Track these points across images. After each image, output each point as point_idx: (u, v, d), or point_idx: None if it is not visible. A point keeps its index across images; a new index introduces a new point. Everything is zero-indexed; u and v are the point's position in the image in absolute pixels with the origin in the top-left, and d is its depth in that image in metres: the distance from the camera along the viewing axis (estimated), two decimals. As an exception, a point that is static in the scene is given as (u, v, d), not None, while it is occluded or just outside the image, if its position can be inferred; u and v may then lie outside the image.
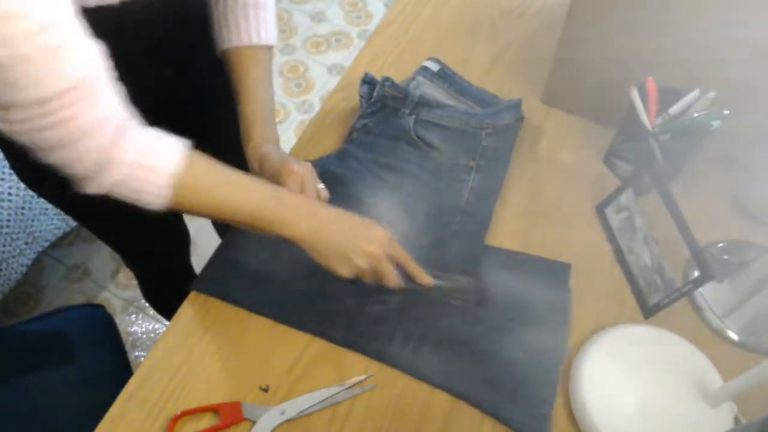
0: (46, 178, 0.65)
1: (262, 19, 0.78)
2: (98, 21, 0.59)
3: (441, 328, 0.71)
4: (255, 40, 0.77)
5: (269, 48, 0.80)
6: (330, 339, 0.71)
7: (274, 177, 0.72)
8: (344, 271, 0.66)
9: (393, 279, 0.67)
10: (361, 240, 0.65)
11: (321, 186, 0.74)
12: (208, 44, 0.82)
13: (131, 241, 0.98)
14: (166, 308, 1.29)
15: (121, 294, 1.65)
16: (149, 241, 0.98)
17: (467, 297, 0.73)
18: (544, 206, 0.83)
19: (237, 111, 0.92)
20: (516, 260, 0.77)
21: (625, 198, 0.77)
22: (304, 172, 0.72)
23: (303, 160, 0.85)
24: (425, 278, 0.70)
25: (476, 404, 0.66)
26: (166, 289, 1.18)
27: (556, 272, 0.76)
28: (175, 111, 0.88)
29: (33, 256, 1.55)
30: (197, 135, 0.94)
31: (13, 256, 1.48)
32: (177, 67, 0.80)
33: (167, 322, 1.33)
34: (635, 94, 0.77)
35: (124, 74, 0.71)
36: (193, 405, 0.66)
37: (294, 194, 0.67)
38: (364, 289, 0.73)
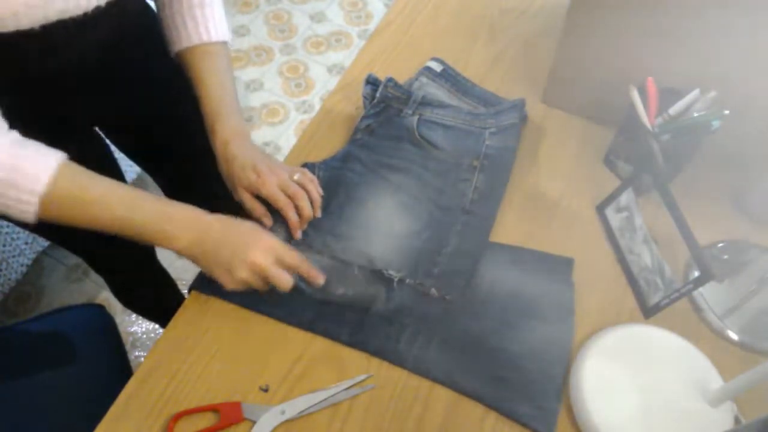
0: None
1: (210, 16, 0.78)
2: (28, 43, 0.62)
3: (448, 325, 0.71)
4: (205, 38, 0.78)
5: (223, 44, 0.80)
6: (336, 339, 0.71)
7: (246, 185, 0.73)
8: (230, 285, 0.67)
9: (283, 284, 0.67)
10: (242, 252, 0.65)
11: (297, 176, 0.75)
12: (155, 57, 0.83)
13: (94, 242, 0.96)
14: (142, 309, 1.28)
15: (121, 294, 1.65)
16: (113, 243, 0.97)
17: (366, 305, 0.72)
18: (544, 206, 0.83)
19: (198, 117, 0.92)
20: (520, 256, 0.77)
21: (625, 198, 0.77)
22: (278, 179, 0.73)
23: (303, 162, 0.85)
24: (319, 280, 0.70)
25: (484, 400, 0.66)
26: (137, 289, 1.17)
27: (559, 267, 0.76)
28: (135, 124, 0.90)
29: (33, 256, 1.55)
30: (161, 145, 0.95)
31: (13, 256, 1.48)
32: (127, 84, 0.82)
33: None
34: (635, 94, 0.77)
35: (66, 96, 0.71)
36: (193, 405, 0.66)
37: (176, 205, 0.67)
38: (369, 289, 0.73)
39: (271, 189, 0.72)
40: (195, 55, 0.78)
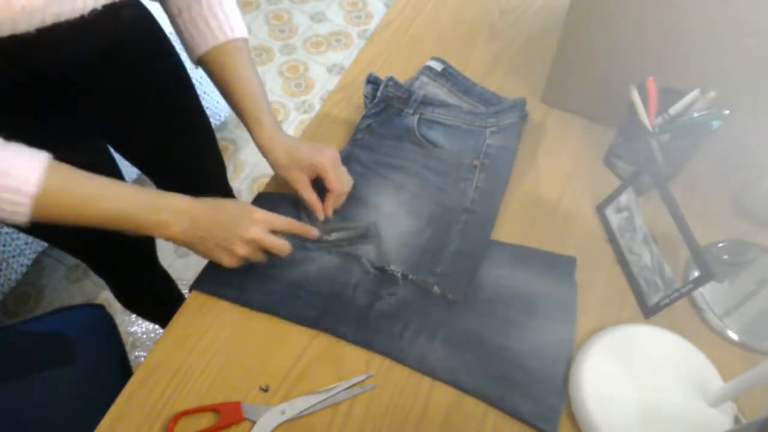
0: None
1: (230, 13, 0.78)
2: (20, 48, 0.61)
3: (451, 323, 0.71)
4: (230, 35, 0.78)
5: (245, 40, 0.80)
6: (340, 336, 0.71)
7: (308, 166, 0.76)
8: (230, 263, 0.69)
9: (281, 249, 0.70)
10: (237, 229, 0.67)
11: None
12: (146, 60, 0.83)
13: (92, 244, 0.97)
14: (142, 309, 1.28)
15: (121, 294, 1.65)
16: (112, 244, 0.97)
17: (366, 241, 0.77)
18: (544, 206, 0.83)
19: (194, 117, 0.93)
20: (523, 254, 0.78)
21: (625, 198, 0.77)
22: (338, 158, 0.77)
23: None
24: (313, 232, 0.74)
25: (487, 398, 0.66)
26: (137, 290, 1.17)
27: (562, 265, 0.77)
28: (134, 127, 0.90)
29: (33, 256, 1.55)
30: (160, 148, 0.95)
31: (13, 256, 1.48)
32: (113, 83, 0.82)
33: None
34: (635, 94, 0.77)
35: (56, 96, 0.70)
36: (193, 405, 0.66)
37: (166, 194, 0.67)
38: (373, 286, 0.73)
39: (336, 170, 0.76)
40: (222, 53, 0.78)
